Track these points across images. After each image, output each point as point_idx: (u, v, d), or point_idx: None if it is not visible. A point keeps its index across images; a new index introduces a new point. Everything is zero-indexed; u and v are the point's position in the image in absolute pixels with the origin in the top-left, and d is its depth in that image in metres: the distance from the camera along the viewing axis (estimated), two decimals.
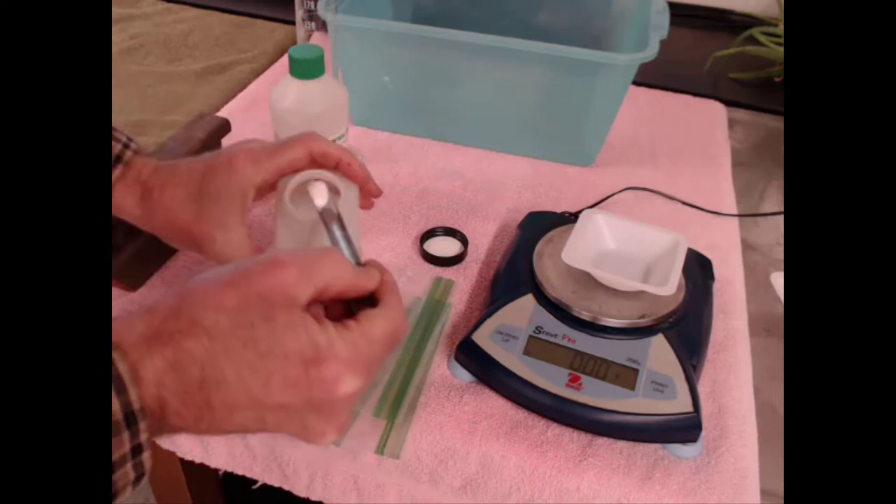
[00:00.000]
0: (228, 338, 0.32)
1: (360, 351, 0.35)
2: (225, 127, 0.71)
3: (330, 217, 0.44)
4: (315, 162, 0.49)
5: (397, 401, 0.52)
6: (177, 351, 0.31)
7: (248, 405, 0.32)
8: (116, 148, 0.49)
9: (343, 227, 0.43)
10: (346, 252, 0.42)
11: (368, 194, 0.53)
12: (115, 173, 0.48)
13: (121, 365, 0.29)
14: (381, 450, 0.50)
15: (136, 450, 0.30)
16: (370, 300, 0.38)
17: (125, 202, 0.49)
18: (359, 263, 0.41)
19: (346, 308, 0.39)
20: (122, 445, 0.29)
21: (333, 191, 0.48)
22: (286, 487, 0.57)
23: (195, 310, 0.32)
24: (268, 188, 0.50)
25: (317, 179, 0.48)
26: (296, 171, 0.49)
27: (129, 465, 0.29)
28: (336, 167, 0.49)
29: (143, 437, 0.30)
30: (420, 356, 0.55)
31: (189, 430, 0.32)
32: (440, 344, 0.57)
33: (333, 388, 0.33)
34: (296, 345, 0.33)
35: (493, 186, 0.75)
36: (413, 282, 0.62)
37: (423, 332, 0.57)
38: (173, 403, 0.31)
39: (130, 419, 0.29)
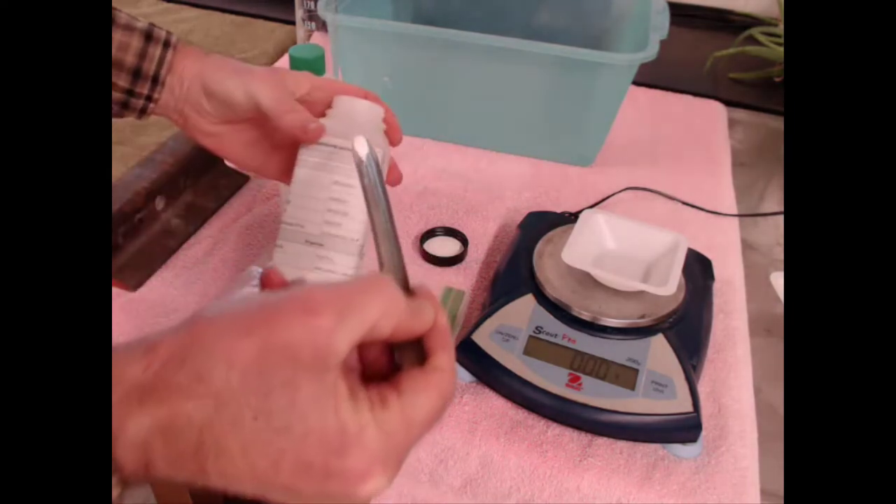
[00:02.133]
0: (238, 404, 0.26)
1: (395, 442, 0.28)
2: None
3: (371, 178, 0.32)
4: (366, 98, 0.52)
5: None
6: (173, 412, 0.26)
7: (248, 480, 0.27)
8: (162, 34, 0.50)
9: (385, 194, 0.33)
10: (387, 249, 0.33)
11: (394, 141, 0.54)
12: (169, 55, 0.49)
13: None
14: None
15: None
16: (418, 346, 0.32)
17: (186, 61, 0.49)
18: (405, 280, 0.33)
19: (389, 354, 0.33)
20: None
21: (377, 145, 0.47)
22: None
23: (203, 360, 0.26)
24: (319, 105, 0.51)
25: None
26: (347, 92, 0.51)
27: None
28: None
29: (115, 492, 0.26)
30: None
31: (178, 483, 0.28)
32: None
33: (354, 486, 0.28)
34: (319, 425, 0.27)
35: (493, 186, 0.75)
36: None
37: None
38: (161, 465, 0.26)
39: None
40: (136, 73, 0.47)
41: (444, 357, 0.31)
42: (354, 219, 0.48)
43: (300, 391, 0.26)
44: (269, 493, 0.27)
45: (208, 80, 0.48)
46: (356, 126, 0.50)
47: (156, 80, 0.48)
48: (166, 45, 0.48)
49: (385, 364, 0.32)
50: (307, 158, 0.48)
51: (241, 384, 0.26)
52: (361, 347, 0.31)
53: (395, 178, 0.53)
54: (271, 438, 0.26)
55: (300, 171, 0.48)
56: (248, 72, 0.49)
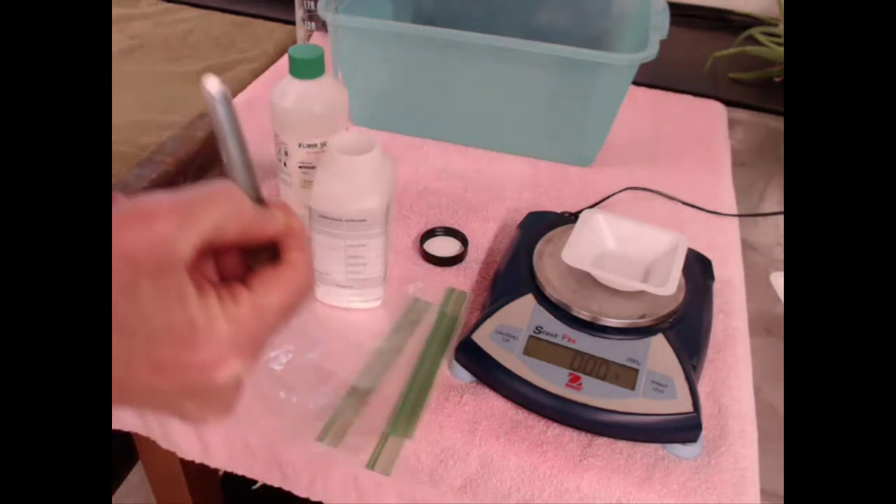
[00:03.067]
0: None
1: (247, 329, 0.29)
2: None
3: (224, 115, 0.32)
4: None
5: (414, 416, 0.52)
6: None
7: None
8: None
9: (237, 127, 0.32)
10: (239, 173, 0.32)
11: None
12: None
13: None
14: (371, 464, 0.50)
15: None
16: (271, 249, 0.32)
17: None
18: (258, 197, 0.33)
19: (243, 260, 0.33)
20: None
21: None
22: (286, 487, 0.57)
23: None
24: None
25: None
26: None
27: None
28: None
29: None
30: (435, 372, 0.55)
31: None
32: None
33: (211, 375, 0.28)
34: (165, 322, 0.27)
35: (493, 186, 0.75)
36: (424, 291, 0.62)
37: (438, 348, 0.57)
38: None
39: None
40: None
41: (296, 255, 0.31)
42: (373, 264, 0.56)
43: (141, 292, 0.26)
44: (130, 398, 0.28)
45: None
46: (357, 187, 0.53)
47: None
48: None
49: (240, 270, 0.32)
50: (317, 226, 0.54)
51: None
52: (217, 256, 0.31)
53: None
54: (118, 342, 0.26)
55: (316, 236, 0.55)
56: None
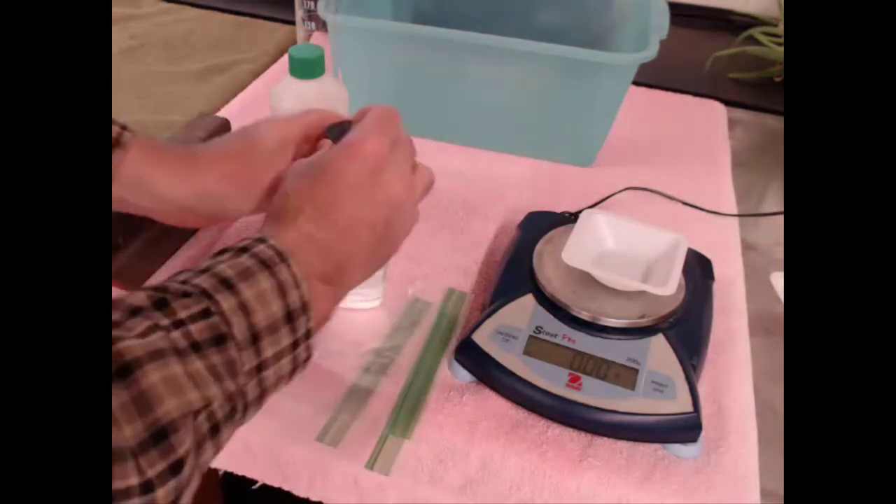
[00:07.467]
0: None
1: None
2: (225, 127, 0.71)
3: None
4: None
5: (413, 416, 0.52)
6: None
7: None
8: (115, 130, 0.52)
9: None
10: None
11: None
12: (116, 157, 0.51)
13: (295, 268, 0.37)
14: (371, 465, 0.50)
15: (307, 335, 0.38)
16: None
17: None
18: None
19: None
20: (295, 331, 0.37)
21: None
22: (286, 487, 0.57)
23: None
24: (304, 147, 0.54)
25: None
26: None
27: (301, 347, 0.38)
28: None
29: (311, 324, 0.38)
30: (435, 372, 0.55)
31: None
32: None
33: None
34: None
35: (493, 186, 0.75)
36: (424, 291, 0.62)
37: (438, 348, 0.57)
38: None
39: (306, 308, 0.37)
40: None
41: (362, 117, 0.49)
42: None
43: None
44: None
45: (159, 191, 0.51)
46: None
47: None
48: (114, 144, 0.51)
49: None
50: None
51: None
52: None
53: None
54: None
55: None
56: (199, 173, 0.52)
